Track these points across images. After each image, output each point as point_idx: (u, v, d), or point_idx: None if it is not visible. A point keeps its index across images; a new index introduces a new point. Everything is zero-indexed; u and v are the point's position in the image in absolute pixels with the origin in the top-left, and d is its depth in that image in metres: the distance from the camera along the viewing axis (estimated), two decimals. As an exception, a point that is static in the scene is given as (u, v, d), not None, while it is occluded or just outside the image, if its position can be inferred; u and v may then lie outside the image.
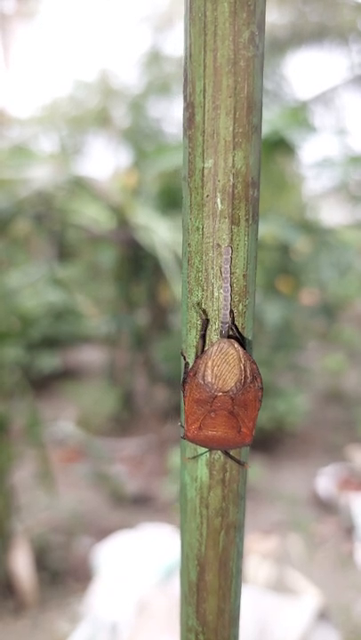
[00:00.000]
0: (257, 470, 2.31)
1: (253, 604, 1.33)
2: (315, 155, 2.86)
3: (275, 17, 4.67)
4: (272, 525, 2.01)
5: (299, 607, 1.32)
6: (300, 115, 2.66)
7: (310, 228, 2.72)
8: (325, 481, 2.21)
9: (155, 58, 4.19)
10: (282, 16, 4.71)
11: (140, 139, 3.71)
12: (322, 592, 1.61)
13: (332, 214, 4.15)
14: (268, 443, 2.60)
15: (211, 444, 0.29)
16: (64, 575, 1.68)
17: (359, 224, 3.62)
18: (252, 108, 0.26)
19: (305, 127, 2.42)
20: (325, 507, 2.12)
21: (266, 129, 2.25)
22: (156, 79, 4.03)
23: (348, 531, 1.96)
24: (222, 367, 0.28)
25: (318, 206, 3.80)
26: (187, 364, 0.30)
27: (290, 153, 2.55)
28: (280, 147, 2.40)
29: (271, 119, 2.35)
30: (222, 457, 0.30)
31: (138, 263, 2.66)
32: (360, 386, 3.40)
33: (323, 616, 1.34)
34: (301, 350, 3.01)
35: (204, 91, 0.26)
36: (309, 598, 1.40)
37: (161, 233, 2.15)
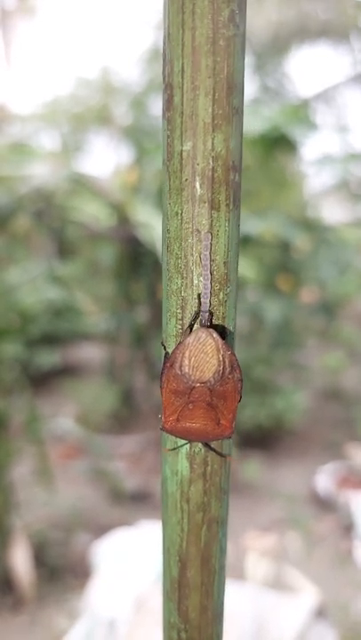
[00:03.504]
0: (255, 468, 2.30)
1: (251, 602, 1.32)
2: (316, 152, 2.84)
3: (277, 14, 4.65)
4: (271, 523, 2.00)
5: (297, 605, 1.32)
6: (301, 112, 2.65)
7: (310, 226, 2.71)
8: (324, 479, 2.20)
9: (156, 55, 4.17)
10: (284, 13, 4.69)
11: (141, 136, 3.70)
12: (320, 590, 1.60)
13: (332, 212, 4.13)
14: (267, 440, 2.60)
15: (189, 436, 0.29)
16: (63, 571, 1.68)
17: (360, 222, 3.61)
18: (232, 89, 0.25)
19: (306, 124, 2.41)
20: (324, 504, 2.12)
21: (267, 126, 2.24)
22: (158, 76, 4.01)
23: (347, 528, 1.96)
24: (200, 357, 0.27)
25: (319, 204, 3.78)
26: (167, 353, 0.29)
27: (291, 150, 2.53)
28: (281, 144, 2.39)
29: (272, 116, 2.33)
30: (203, 450, 0.30)
31: (138, 260, 2.65)
32: (359, 384, 3.39)
33: (321, 613, 1.34)
34: (301, 348, 3.00)
35: (183, 71, 0.25)
36: (307, 596, 1.40)
37: (161, 230, 2.14)
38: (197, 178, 0.26)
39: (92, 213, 2.70)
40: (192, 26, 0.24)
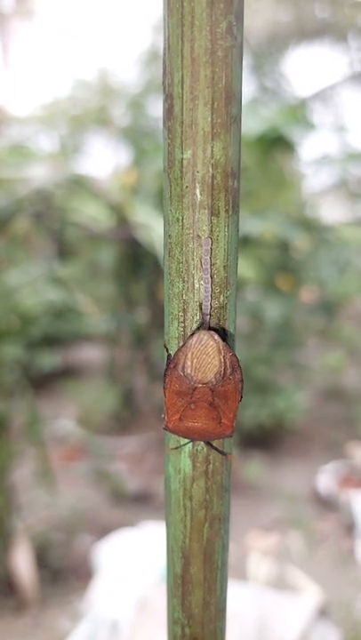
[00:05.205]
0: (257, 468, 2.31)
1: (254, 602, 1.33)
2: (314, 152, 2.85)
3: (274, 14, 4.66)
4: (272, 523, 2.01)
5: (299, 604, 1.33)
6: (299, 112, 2.66)
7: (310, 226, 2.71)
8: (326, 478, 2.21)
9: (154, 56, 4.18)
10: (282, 13, 4.70)
11: (140, 137, 3.71)
12: (322, 589, 1.61)
13: (331, 212, 4.14)
14: (269, 440, 2.60)
15: (192, 435, 0.29)
16: (65, 573, 1.69)
17: (359, 221, 3.62)
18: (230, 98, 0.26)
19: (304, 124, 2.42)
20: (326, 504, 2.12)
21: (265, 126, 2.24)
22: (156, 78, 4.03)
23: (349, 528, 1.96)
24: (202, 359, 0.28)
25: (318, 204, 3.79)
26: (169, 355, 0.30)
27: (289, 150, 2.54)
28: (279, 144, 2.39)
29: (270, 116, 2.34)
30: (205, 448, 0.31)
31: (137, 261, 2.66)
32: (360, 383, 3.39)
33: (323, 613, 1.34)
34: (301, 348, 3.01)
35: (182, 82, 0.26)
36: (310, 595, 1.40)
37: (160, 231, 2.14)
38: (197, 185, 0.27)
39: (92, 215, 2.70)
40: (191, 37, 0.25)
